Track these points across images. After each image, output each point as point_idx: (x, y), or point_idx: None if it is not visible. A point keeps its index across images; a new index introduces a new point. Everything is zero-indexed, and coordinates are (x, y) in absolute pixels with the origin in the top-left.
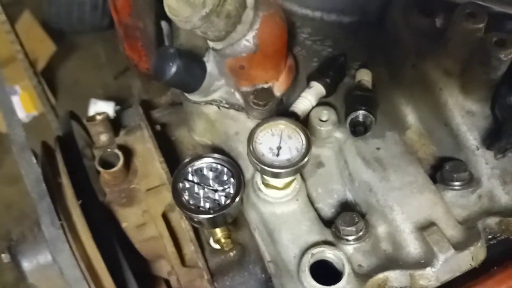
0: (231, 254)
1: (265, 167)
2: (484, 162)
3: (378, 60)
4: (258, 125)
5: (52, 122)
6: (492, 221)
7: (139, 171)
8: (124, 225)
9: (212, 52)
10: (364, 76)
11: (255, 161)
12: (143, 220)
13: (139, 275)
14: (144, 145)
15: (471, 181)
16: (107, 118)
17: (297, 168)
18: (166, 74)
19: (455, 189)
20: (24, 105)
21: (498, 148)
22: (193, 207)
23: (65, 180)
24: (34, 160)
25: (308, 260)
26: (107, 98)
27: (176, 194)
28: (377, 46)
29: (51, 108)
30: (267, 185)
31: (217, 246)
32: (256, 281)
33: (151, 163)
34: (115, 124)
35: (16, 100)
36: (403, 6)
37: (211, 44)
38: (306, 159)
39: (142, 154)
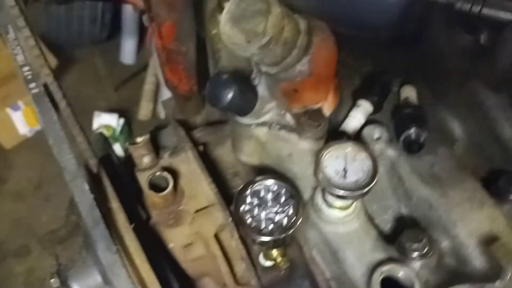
0: (282, 270)
1: (335, 190)
2: None
3: (418, 77)
4: (322, 150)
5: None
6: None
7: (186, 193)
8: (171, 245)
9: (265, 76)
10: (410, 93)
11: (325, 185)
12: (189, 240)
13: None
14: (188, 166)
15: None
16: (148, 140)
17: (368, 189)
18: (223, 100)
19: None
20: (27, 120)
21: None
22: (256, 229)
23: (115, 205)
24: (87, 187)
25: (378, 278)
26: (109, 110)
27: (239, 218)
28: (415, 62)
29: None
30: (330, 206)
31: (267, 264)
32: None
33: (197, 184)
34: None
35: (19, 116)
36: (445, 24)
37: (264, 68)
38: (375, 180)
39: (187, 175)
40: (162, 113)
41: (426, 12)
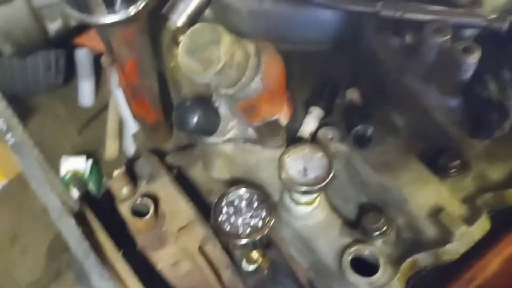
0: (264, 272)
1: (299, 187)
2: (470, 149)
3: (360, 79)
4: (283, 154)
5: None
6: (488, 196)
7: (167, 214)
8: (159, 266)
9: (224, 98)
10: (353, 95)
11: (289, 185)
12: (176, 258)
13: None
14: (166, 190)
15: (464, 167)
16: (124, 171)
17: (326, 183)
18: (190, 124)
19: (452, 176)
20: None
21: (483, 135)
22: (235, 234)
23: (102, 236)
24: (74, 222)
25: (347, 259)
26: (75, 153)
27: (218, 228)
28: (356, 67)
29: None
30: (297, 203)
31: (250, 268)
32: None
33: (176, 205)
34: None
35: None
36: (375, 30)
37: (223, 91)
38: (331, 174)
39: (165, 198)
40: (130, 149)
41: (358, 22)
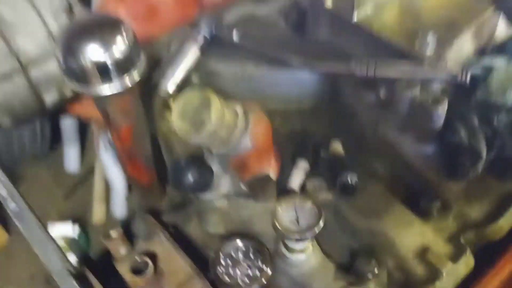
0: None
1: (292, 235)
2: (449, 190)
3: (342, 132)
4: (275, 206)
5: None
6: (470, 234)
7: (166, 272)
8: None
9: (216, 156)
10: (336, 147)
11: (283, 234)
12: None
13: None
14: (163, 247)
15: (444, 208)
16: (121, 232)
17: (317, 229)
18: (186, 183)
19: (434, 217)
20: None
21: (459, 177)
22: (234, 285)
23: None
24: (76, 284)
25: None
26: (62, 219)
27: (218, 280)
28: (337, 121)
29: None
30: (292, 251)
31: None
32: None
33: (173, 261)
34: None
35: None
36: (352, 87)
37: (214, 150)
38: (321, 220)
39: (163, 255)
40: (117, 212)
41: (336, 80)
